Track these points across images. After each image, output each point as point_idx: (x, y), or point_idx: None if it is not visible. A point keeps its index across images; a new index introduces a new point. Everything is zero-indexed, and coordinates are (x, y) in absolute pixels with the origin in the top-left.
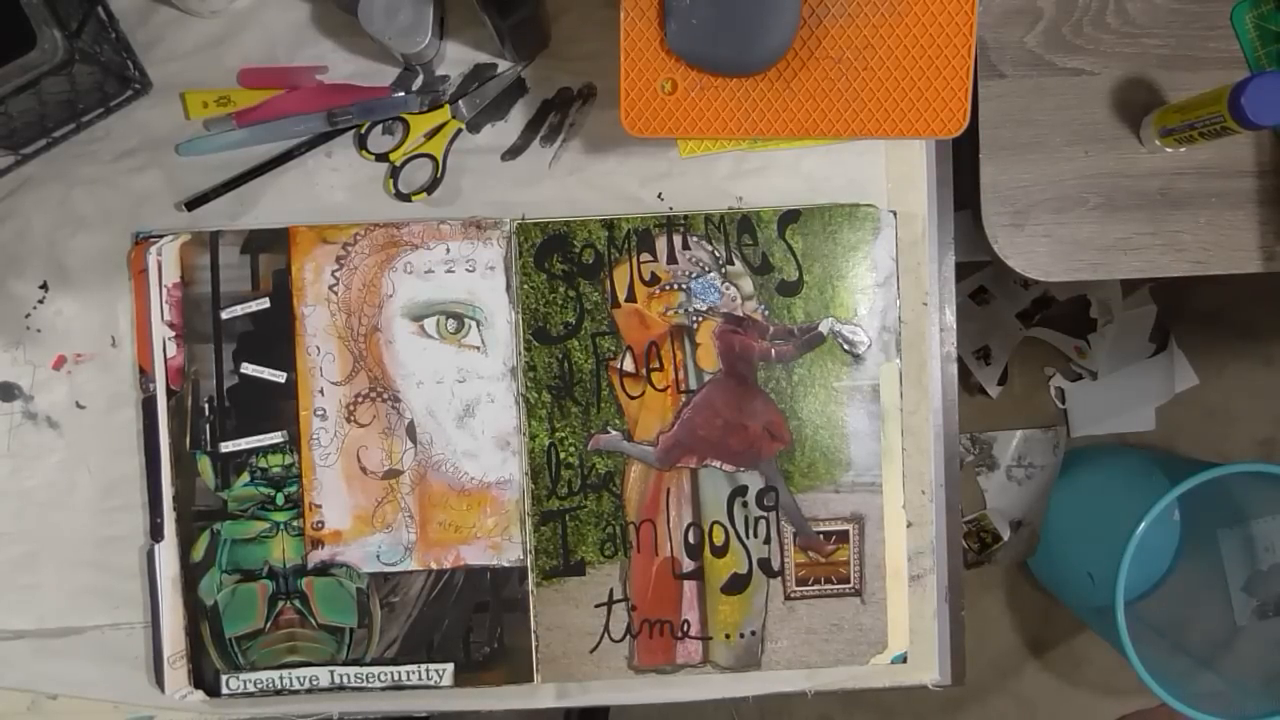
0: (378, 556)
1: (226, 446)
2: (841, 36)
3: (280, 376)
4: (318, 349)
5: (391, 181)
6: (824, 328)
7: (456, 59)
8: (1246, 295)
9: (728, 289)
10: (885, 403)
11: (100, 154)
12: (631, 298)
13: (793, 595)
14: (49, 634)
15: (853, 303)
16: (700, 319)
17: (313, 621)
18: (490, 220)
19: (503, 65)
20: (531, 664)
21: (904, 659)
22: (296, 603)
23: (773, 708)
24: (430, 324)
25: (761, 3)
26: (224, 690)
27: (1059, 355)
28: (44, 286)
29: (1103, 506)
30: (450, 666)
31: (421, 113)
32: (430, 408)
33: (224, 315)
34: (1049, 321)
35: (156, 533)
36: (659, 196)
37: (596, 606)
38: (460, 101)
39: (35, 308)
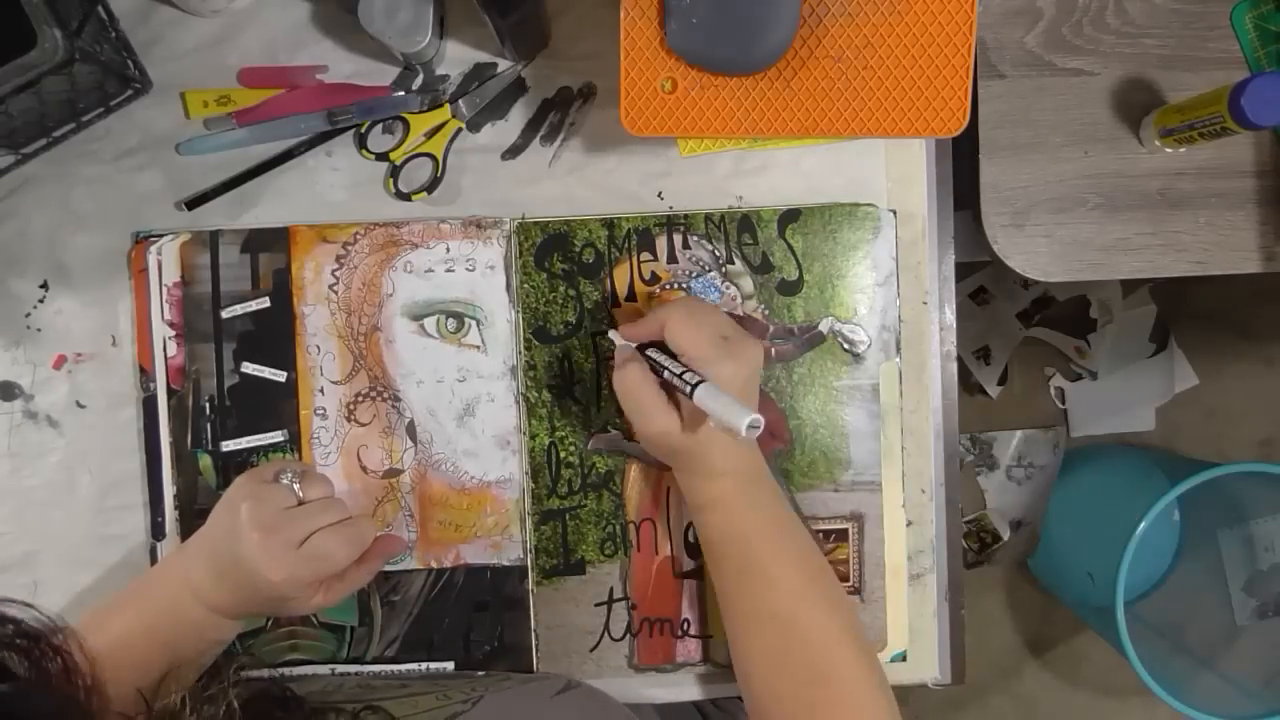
0: None
1: (227, 445)
2: (841, 36)
3: (281, 375)
4: (318, 348)
5: (391, 181)
6: (824, 327)
7: (456, 58)
8: (1246, 295)
9: (728, 288)
10: (885, 402)
11: (100, 153)
12: (632, 297)
13: None
14: None
15: (853, 302)
16: None
17: (314, 620)
18: (490, 219)
19: (503, 65)
20: (532, 663)
21: (904, 658)
22: None
23: None
24: (430, 323)
25: (761, 2)
26: None
27: (1059, 355)
28: (44, 286)
29: (1103, 506)
30: (450, 665)
31: (421, 112)
32: (430, 407)
33: (224, 314)
34: (1049, 321)
35: (158, 531)
36: (659, 196)
37: (596, 605)
38: (460, 101)
39: (35, 307)
